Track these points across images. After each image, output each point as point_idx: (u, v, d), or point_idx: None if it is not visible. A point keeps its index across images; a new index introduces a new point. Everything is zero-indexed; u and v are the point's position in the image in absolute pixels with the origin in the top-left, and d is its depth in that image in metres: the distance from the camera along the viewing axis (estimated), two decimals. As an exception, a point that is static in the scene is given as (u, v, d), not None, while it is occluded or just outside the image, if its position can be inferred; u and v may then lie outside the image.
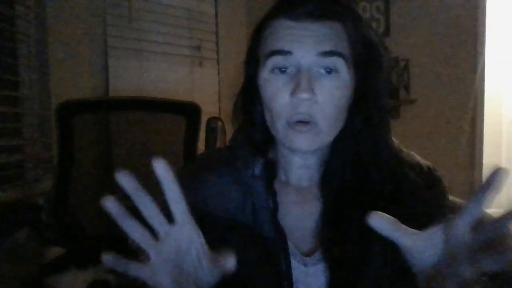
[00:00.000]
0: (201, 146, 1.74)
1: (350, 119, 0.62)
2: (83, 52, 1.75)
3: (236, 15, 2.47)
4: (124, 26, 1.91)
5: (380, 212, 0.44)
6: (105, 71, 1.85)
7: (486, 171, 2.97)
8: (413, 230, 0.45)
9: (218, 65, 2.38)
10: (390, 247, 0.48)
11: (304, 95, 0.56)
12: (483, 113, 2.88)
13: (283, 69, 0.59)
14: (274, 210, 0.61)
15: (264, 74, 0.60)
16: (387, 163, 0.63)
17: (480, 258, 0.40)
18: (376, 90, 0.63)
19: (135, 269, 0.45)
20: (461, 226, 0.42)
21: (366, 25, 0.62)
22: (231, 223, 0.62)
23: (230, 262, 0.45)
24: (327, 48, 0.57)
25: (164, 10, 2.09)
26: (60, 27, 1.60)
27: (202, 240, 0.47)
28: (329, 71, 0.58)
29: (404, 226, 0.45)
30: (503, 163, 4.03)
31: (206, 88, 2.31)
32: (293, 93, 0.57)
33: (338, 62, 0.58)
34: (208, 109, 2.04)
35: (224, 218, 0.62)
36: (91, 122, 1.61)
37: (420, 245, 0.44)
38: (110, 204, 0.42)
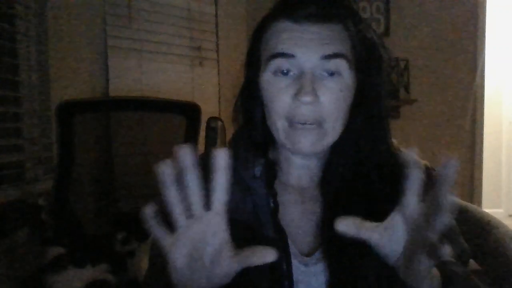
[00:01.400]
0: (201, 146, 1.73)
1: (351, 120, 0.63)
2: (83, 52, 1.75)
3: (236, 15, 2.47)
4: (124, 26, 1.91)
5: (342, 217, 0.47)
6: (105, 71, 1.85)
7: (486, 171, 2.98)
8: (376, 223, 0.48)
9: (218, 65, 2.38)
10: None
11: (307, 99, 0.56)
12: (483, 113, 2.89)
13: (285, 72, 0.59)
14: (274, 210, 0.62)
15: (266, 76, 0.60)
16: (386, 163, 0.63)
17: (432, 220, 0.43)
18: (376, 91, 0.63)
19: (160, 233, 0.45)
20: (411, 204, 0.46)
21: (366, 26, 0.62)
22: (231, 223, 0.62)
23: (269, 254, 0.44)
24: (330, 51, 0.57)
25: (164, 10, 2.09)
26: (60, 27, 1.60)
27: (228, 236, 0.47)
28: (332, 73, 0.58)
29: (367, 223, 0.48)
30: (503, 163, 4.03)
31: (206, 88, 2.30)
32: (296, 95, 0.57)
33: (341, 64, 0.58)
34: (208, 109, 2.04)
35: None
36: (91, 122, 1.61)
37: (386, 234, 0.48)
38: (165, 168, 0.42)
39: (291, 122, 0.59)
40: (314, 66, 0.58)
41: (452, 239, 0.63)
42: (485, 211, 0.91)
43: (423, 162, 0.68)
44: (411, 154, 0.45)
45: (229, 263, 0.46)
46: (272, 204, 0.62)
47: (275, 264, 0.59)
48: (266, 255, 0.44)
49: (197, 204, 0.45)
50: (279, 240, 0.60)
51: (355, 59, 0.60)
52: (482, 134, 2.90)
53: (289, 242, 0.61)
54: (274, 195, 0.62)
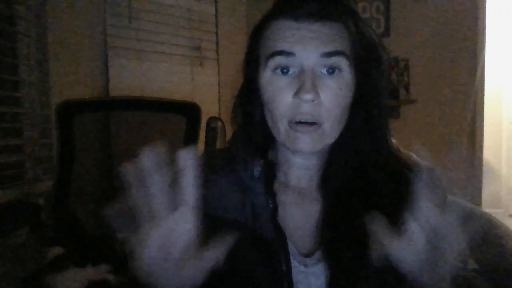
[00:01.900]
0: (201, 146, 1.73)
1: (350, 119, 0.62)
2: (83, 52, 1.75)
3: (236, 15, 2.47)
4: (124, 26, 1.91)
5: (375, 215, 0.46)
6: (105, 71, 1.85)
7: (486, 171, 2.98)
8: (394, 232, 0.47)
9: (218, 65, 2.38)
10: None
11: (308, 96, 0.56)
12: (483, 113, 2.88)
13: (285, 70, 0.59)
14: (274, 211, 0.62)
15: (266, 74, 0.60)
16: (386, 163, 0.63)
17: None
18: (376, 90, 0.63)
19: (125, 233, 0.45)
20: (425, 210, 0.46)
21: (365, 25, 0.62)
22: (231, 224, 0.62)
23: (218, 252, 0.44)
24: (330, 48, 0.57)
25: (164, 10, 2.09)
26: (60, 27, 1.60)
27: (196, 236, 0.46)
28: (332, 71, 0.58)
29: (390, 232, 0.47)
30: (503, 163, 4.03)
31: (206, 88, 2.31)
32: (296, 94, 0.57)
33: (341, 62, 0.58)
34: (208, 109, 2.04)
35: (224, 219, 0.62)
36: (91, 122, 1.61)
37: (405, 244, 0.47)
38: (127, 170, 0.42)
39: (292, 122, 0.59)
40: (314, 63, 0.58)
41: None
42: (485, 211, 0.90)
43: (424, 163, 0.68)
44: (423, 159, 0.45)
45: (196, 264, 0.45)
46: (271, 205, 0.62)
47: (275, 265, 0.59)
48: (223, 245, 0.44)
49: (160, 204, 0.44)
50: (279, 241, 0.60)
51: (355, 58, 0.60)
52: (482, 134, 2.89)
53: (289, 242, 0.61)
54: (273, 195, 0.62)
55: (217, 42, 2.38)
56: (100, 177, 1.63)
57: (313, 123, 0.58)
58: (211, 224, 0.62)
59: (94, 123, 1.64)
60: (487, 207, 2.89)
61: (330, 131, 0.60)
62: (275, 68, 0.59)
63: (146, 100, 1.77)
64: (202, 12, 2.29)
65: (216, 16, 2.37)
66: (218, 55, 2.38)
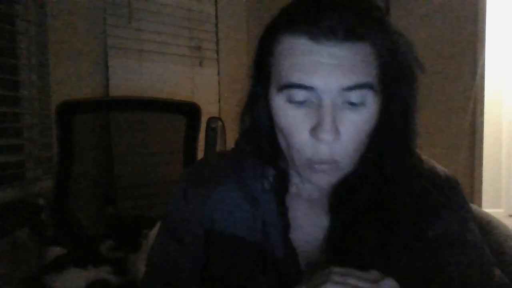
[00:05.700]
0: (201, 146, 1.73)
1: (373, 140, 0.56)
2: (83, 52, 1.75)
3: (236, 15, 2.47)
4: (124, 26, 1.91)
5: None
6: (105, 71, 1.85)
7: (486, 171, 2.97)
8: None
9: (218, 65, 2.38)
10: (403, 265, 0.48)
11: (328, 137, 0.50)
12: (483, 113, 2.88)
13: (302, 101, 0.52)
14: (285, 229, 0.58)
15: (279, 101, 0.54)
16: (408, 181, 0.59)
17: None
18: (405, 110, 0.58)
19: None
20: None
21: (399, 38, 0.55)
22: (240, 242, 0.59)
23: None
24: (352, 81, 0.50)
25: (164, 10, 2.09)
26: (60, 27, 1.60)
27: None
28: (355, 104, 0.52)
29: None
30: (503, 163, 4.03)
31: (206, 88, 2.30)
32: (314, 131, 0.51)
33: (365, 95, 0.52)
34: (208, 109, 2.04)
35: (233, 236, 0.59)
36: (91, 122, 1.61)
37: None
38: None
39: (310, 162, 0.54)
40: (334, 97, 0.51)
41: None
42: (485, 211, 0.90)
43: (446, 173, 0.64)
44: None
45: None
46: (282, 222, 0.58)
47: (285, 285, 0.56)
48: None
49: None
50: (290, 259, 0.58)
51: (383, 78, 0.53)
52: (482, 134, 2.89)
53: (300, 260, 0.58)
54: (285, 212, 0.59)
55: (217, 42, 2.38)
56: (100, 177, 1.63)
57: (330, 164, 0.53)
58: (219, 242, 0.60)
59: (94, 123, 1.64)
60: (487, 207, 2.89)
61: (348, 166, 0.55)
62: (290, 100, 0.52)
63: (146, 100, 1.77)
64: (202, 12, 2.29)
65: (216, 16, 2.36)
66: (218, 55, 2.38)
